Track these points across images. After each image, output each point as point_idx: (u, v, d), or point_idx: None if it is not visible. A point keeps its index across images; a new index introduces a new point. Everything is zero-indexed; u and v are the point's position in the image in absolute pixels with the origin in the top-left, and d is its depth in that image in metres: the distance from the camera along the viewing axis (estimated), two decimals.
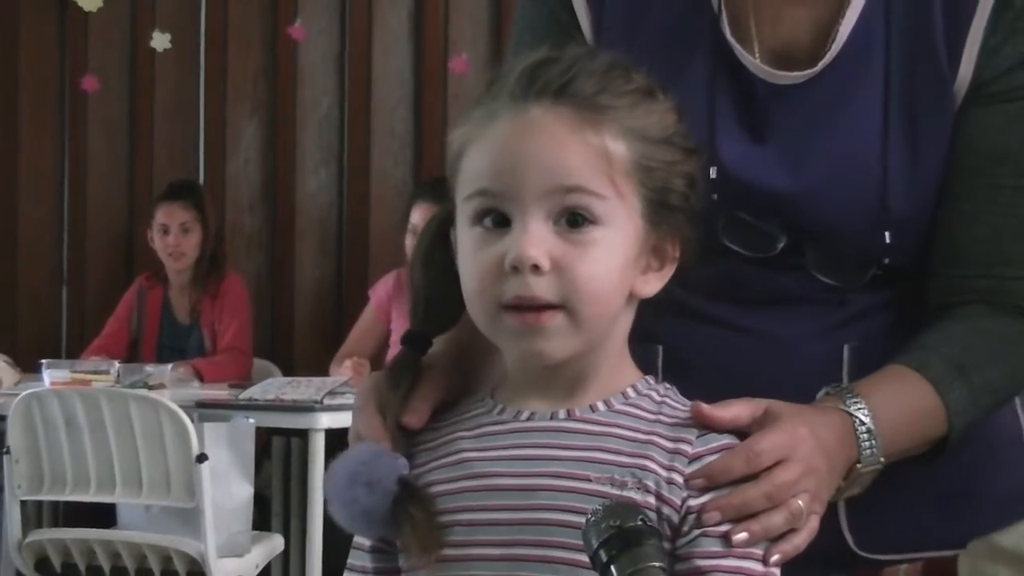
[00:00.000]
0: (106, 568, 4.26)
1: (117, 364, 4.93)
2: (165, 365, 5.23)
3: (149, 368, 5.10)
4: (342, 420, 4.24)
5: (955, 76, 1.54)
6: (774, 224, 1.55)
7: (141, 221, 6.05)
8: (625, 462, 1.35)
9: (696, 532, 1.33)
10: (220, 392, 4.96)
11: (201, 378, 5.40)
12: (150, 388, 4.70)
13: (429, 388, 1.44)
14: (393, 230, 5.78)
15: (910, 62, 1.55)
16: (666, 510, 1.34)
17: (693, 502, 1.34)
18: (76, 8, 6.10)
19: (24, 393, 4.30)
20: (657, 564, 1.21)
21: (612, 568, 1.21)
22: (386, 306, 5.58)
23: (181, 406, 4.19)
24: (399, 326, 5.32)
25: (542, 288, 1.33)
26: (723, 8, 1.57)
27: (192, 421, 4.13)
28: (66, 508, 5.19)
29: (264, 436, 4.88)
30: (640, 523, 1.24)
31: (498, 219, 1.35)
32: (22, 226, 6.30)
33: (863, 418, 1.45)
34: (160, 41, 6.19)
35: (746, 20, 1.57)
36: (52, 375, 4.74)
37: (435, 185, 4.95)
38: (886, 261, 1.55)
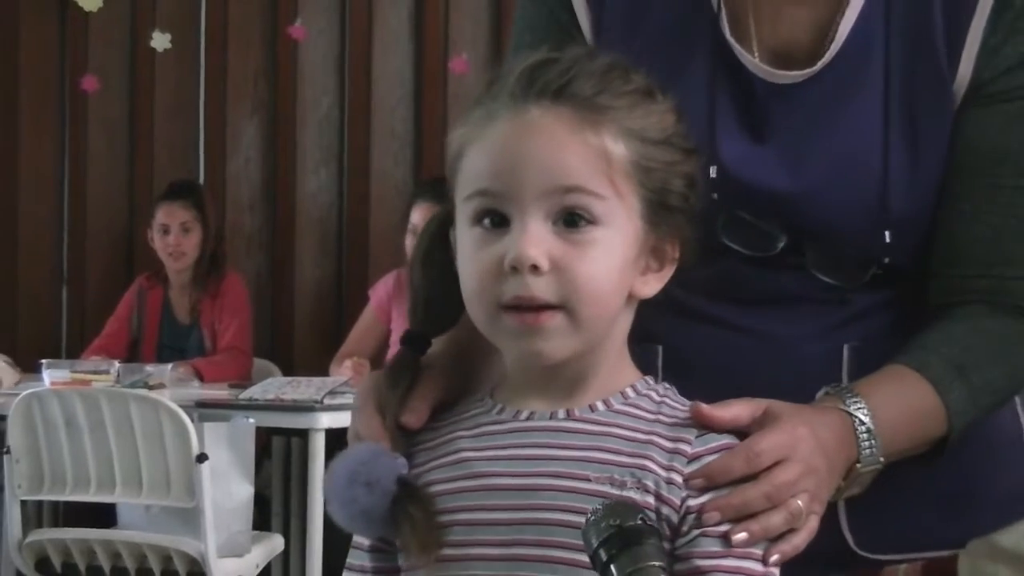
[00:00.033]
0: (106, 568, 4.26)
1: (117, 364, 4.93)
2: (165, 365, 5.23)
3: (149, 368, 5.10)
4: (342, 420, 4.24)
5: (955, 76, 1.54)
6: (774, 223, 1.55)
7: (141, 221, 6.05)
8: (625, 462, 1.35)
9: (695, 532, 1.33)
10: (220, 392, 4.96)
11: (201, 378, 5.40)
12: (150, 388, 4.70)
13: (428, 388, 1.44)
14: (393, 230, 5.78)
15: (910, 62, 1.55)
16: (665, 510, 1.34)
17: (692, 502, 1.34)
18: (76, 8, 6.10)
19: (24, 393, 4.30)
20: (657, 563, 1.21)
21: (612, 567, 1.21)
22: (386, 306, 5.58)
23: (181, 406, 4.19)
24: (399, 326, 5.32)
25: (541, 288, 1.33)
26: (723, 7, 1.57)
27: (192, 421, 4.13)
28: (66, 508, 5.18)
29: (264, 436, 4.88)
30: (640, 522, 1.24)
31: (497, 219, 1.35)
32: (22, 226, 6.30)
33: (863, 418, 1.45)
34: (160, 41, 6.19)
35: (746, 19, 1.57)
36: (52, 375, 4.74)
37: (435, 185, 4.95)
38: (886, 260, 1.55)
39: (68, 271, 6.36)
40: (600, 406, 1.39)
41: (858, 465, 1.45)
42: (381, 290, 5.63)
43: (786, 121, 1.56)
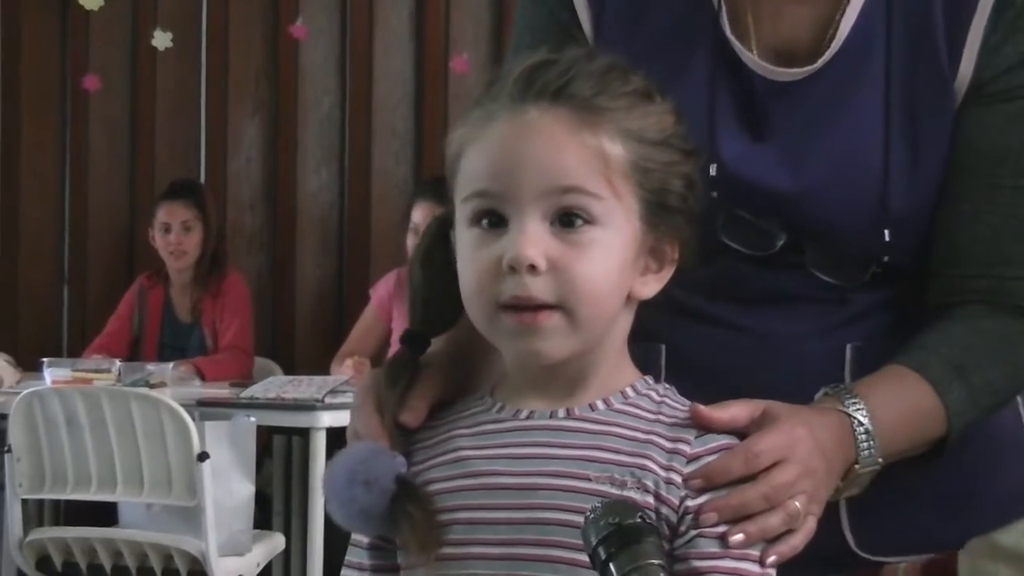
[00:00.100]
0: (107, 567, 4.26)
1: (118, 363, 4.93)
2: (166, 364, 5.23)
3: (150, 367, 5.11)
4: (343, 419, 4.23)
5: (955, 75, 1.54)
6: (773, 222, 1.54)
7: (142, 220, 6.05)
8: (624, 461, 1.35)
9: (693, 533, 1.33)
10: (221, 391, 4.96)
11: (202, 377, 5.40)
12: (151, 387, 4.70)
13: (427, 387, 1.44)
14: (394, 229, 5.78)
15: (911, 60, 1.55)
16: (664, 510, 1.34)
17: (691, 502, 1.34)
18: (77, 7, 6.10)
19: (25, 392, 4.30)
20: (656, 562, 1.21)
21: (611, 566, 1.21)
22: (387, 305, 5.57)
23: (182, 405, 4.19)
24: (400, 325, 5.32)
25: (539, 288, 1.33)
26: (723, 5, 1.57)
27: (193, 420, 4.13)
28: (67, 507, 5.19)
29: (265, 435, 4.88)
30: (639, 520, 1.24)
31: (495, 220, 1.35)
32: (23, 225, 6.30)
33: (861, 419, 1.45)
34: (161, 40, 6.19)
35: (746, 17, 1.57)
36: (53, 374, 4.74)
37: (436, 184, 4.94)
38: (885, 259, 1.55)
39: (69, 270, 6.36)
40: (600, 405, 1.39)
41: (856, 466, 1.44)
42: (382, 289, 5.63)
43: (786, 119, 1.56)
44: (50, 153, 6.33)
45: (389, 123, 6.20)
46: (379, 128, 6.19)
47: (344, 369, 5.26)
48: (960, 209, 1.55)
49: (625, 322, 1.41)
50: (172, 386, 4.92)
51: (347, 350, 5.49)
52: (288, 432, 4.98)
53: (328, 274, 6.27)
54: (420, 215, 5.27)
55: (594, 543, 1.23)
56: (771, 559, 1.34)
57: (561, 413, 1.39)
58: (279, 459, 5.18)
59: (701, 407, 1.38)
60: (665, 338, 1.55)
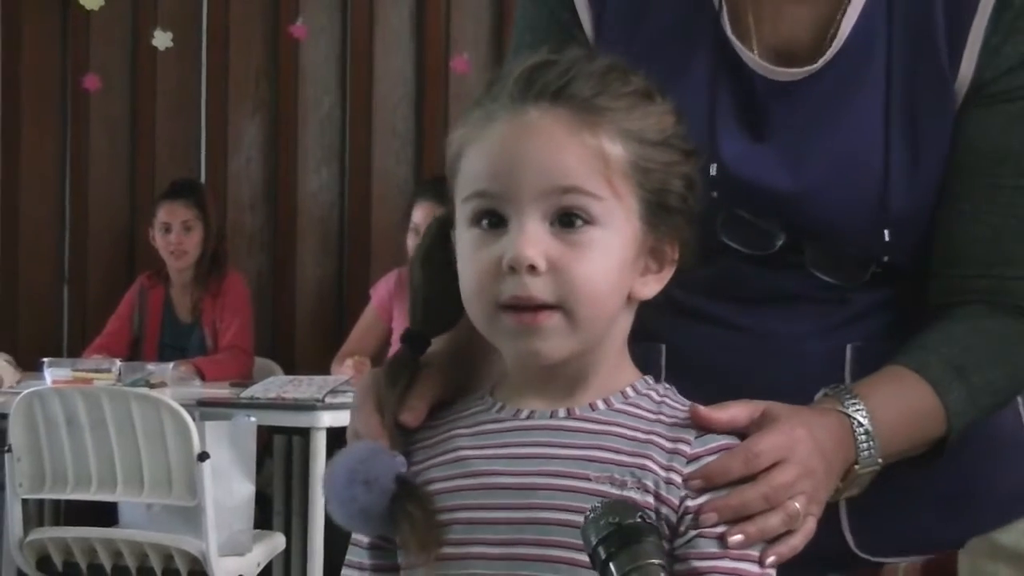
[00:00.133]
0: (107, 567, 4.26)
1: (118, 363, 4.93)
2: (166, 364, 5.23)
3: (150, 367, 5.11)
4: (343, 419, 4.23)
5: (956, 75, 1.54)
6: (773, 222, 1.54)
7: (143, 220, 6.05)
8: (625, 461, 1.35)
9: (693, 533, 1.33)
10: (221, 391, 4.96)
11: (202, 377, 5.40)
12: (151, 387, 4.70)
13: (426, 386, 1.44)
14: (394, 229, 5.78)
15: (911, 61, 1.55)
16: (664, 510, 1.34)
17: (691, 503, 1.34)
18: (78, 6, 6.10)
19: (26, 391, 4.30)
20: (656, 561, 1.21)
21: (611, 565, 1.21)
22: (387, 305, 5.57)
23: (182, 404, 4.19)
24: (400, 325, 5.32)
25: (539, 288, 1.33)
26: (724, 5, 1.57)
27: (193, 419, 4.13)
28: (67, 507, 5.19)
29: (265, 435, 4.88)
30: (639, 520, 1.24)
31: (495, 220, 1.35)
32: (23, 225, 6.30)
33: (861, 419, 1.45)
34: (162, 40, 6.19)
35: (746, 17, 1.57)
36: (54, 373, 4.74)
37: (436, 184, 4.95)
38: (885, 259, 1.55)
39: (69, 269, 6.36)
40: (600, 405, 1.39)
41: (856, 467, 1.44)
42: (382, 289, 5.63)
43: (786, 119, 1.56)
44: (50, 153, 6.33)
45: (389, 123, 6.20)
46: (379, 128, 6.19)
47: (344, 369, 5.26)
48: (960, 209, 1.55)
49: (625, 322, 1.41)
50: (172, 386, 4.92)
51: (347, 350, 5.49)
52: (288, 432, 4.98)
53: (328, 274, 6.27)
54: (420, 215, 5.27)
55: (594, 543, 1.22)
56: (770, 559, 1.34)
57: (561, 413, 1.39)
58: (279, 459, 5.18)
59: (700, 408, 1.38)
60: (665, 338, 1.55)
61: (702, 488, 1.34)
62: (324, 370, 5.40)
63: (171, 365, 5.21)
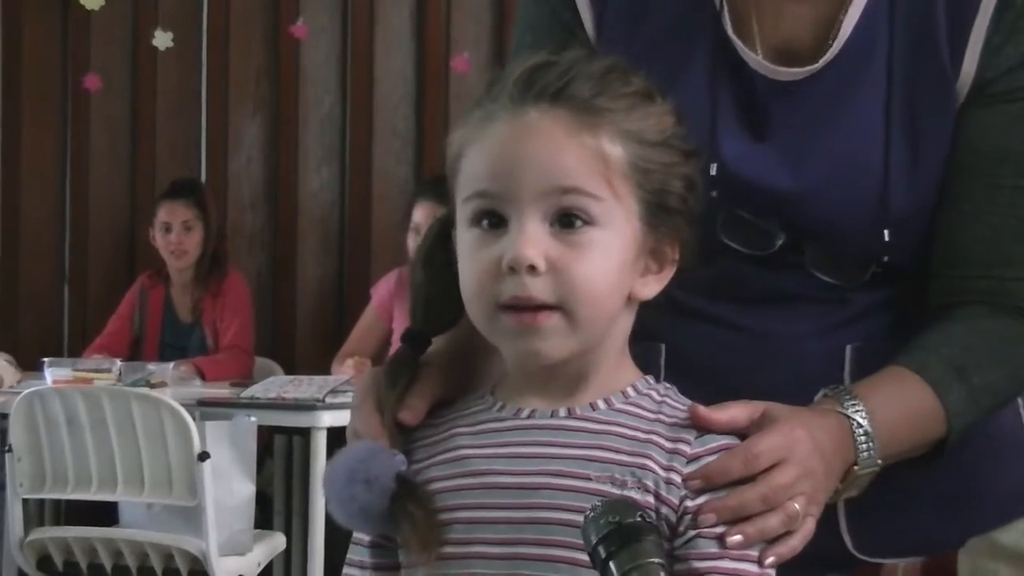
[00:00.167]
0: (108, 566, 4.26)
1: (119, 362, 4.93)
2: (167, 363, 5.23)
3: (151, 366, 5.11)
4: (344, 419, 4.19)
5: (957, 75, 1.54)
6: (773, 222, 1.54)
7: (143, 219, 6.05)
8: (625, 461, 1.35)
9: (692, 533, 1.34)
10: (222, 390, 4.96)
11: (203, 376, 5.40)
12: (152, 386, 4.70)
13: (426, 385, 1.44)
14: (395, 229, 5.78)
15: (913, 61, 1.55)
16: (664, 510, 1.34)
17: (690, 503, 1.34)
18: (78, 6, 6.10)
19: (26, 391, 4.30)
20: (656, 560, 1.21)
21: (611, 564, 1.21)
22: (388, 305, 5.57)
23: (183, 404, 4.19)
24: (401, 325, 5.32)
25: (538, 288, 1.33)
26: (724, 4, 1.57)
27: (194, 419, 4.13)
28: (68, 506, 5.19)
29: (266, 434, 4.88)
30: (639, 519, 1.24)
31: (495, 220, 1.35)
32: (24, 224, 6.30)
33: (860, 420, 1.44)
34: (162, 39, 6.19)
35: (747, 17, 1.57)
36: (54, 373, 4.74)
37: (437, 184, 4.95)
38: (885, 259, 1.55)
39: (70, 269, 6.36)
40: (601, 405, 1.39)
41: (856, 468, 1.44)
42: (383, 289, 5.63)
43: (787, 119, 1.55)
44: (50, 153, 6.33)
45: (390, 123, 6.20)
46: (380, 128, 6.19)
47: (345, 369, 5.26)
48: (960, 209, 1.55)
49: (626, 322, 1.41)
50: (173, 386, 4.92)
51: (348, 350, 5.49)
52: (289, 432, 4.98)
53: (329, 274, 6.27)
54: (421, 215, 5.27)
55: (594, 542, 1.23)
56: (770, 560, 1.34)
57: (562, 412, 1.39)
58: (280, 459, 5.18)
59: (700, 408, 1.38)
60: (665, 338, 1.55)
61: (701, 488, 1.34)
62: (324, 370, 5.40)
63: (171, 365, 5.20)
